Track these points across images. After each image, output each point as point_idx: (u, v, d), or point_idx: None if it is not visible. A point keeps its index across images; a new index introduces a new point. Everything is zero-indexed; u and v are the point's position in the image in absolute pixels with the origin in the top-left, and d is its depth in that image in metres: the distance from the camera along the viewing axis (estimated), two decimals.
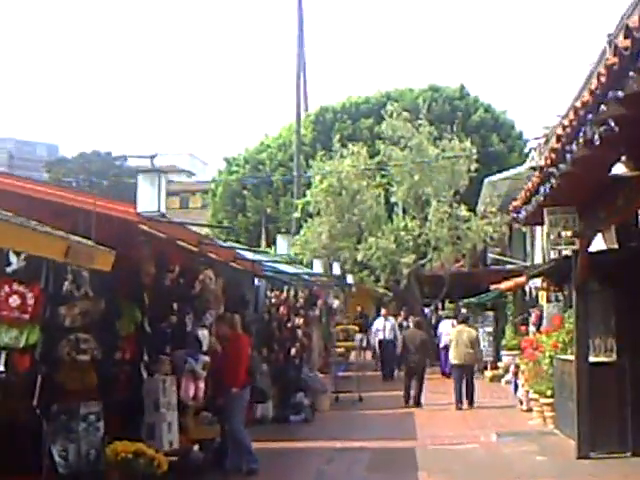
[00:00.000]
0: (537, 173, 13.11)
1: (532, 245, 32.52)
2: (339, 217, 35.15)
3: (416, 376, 23.17)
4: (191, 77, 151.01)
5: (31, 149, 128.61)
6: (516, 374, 23.25)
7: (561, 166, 11.15)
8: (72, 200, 10.09)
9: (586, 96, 9.08)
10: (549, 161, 11.74)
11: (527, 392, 20.35)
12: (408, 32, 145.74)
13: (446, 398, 24.10)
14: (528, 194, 14.30)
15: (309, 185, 38.05)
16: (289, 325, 21.70)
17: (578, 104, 9.45)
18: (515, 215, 16.23)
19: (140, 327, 11.24)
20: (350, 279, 33.56)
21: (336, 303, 32.66)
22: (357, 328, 29.68)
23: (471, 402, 22.42)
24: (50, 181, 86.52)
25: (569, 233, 14.26)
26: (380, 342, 31.02)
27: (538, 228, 30.79)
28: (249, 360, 14.35)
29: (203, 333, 12.92)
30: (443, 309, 42.43)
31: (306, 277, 23.00)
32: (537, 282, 24.18)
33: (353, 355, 29.94)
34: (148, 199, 9.80)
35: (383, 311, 31.87)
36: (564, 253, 19.45)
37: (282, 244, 20.42)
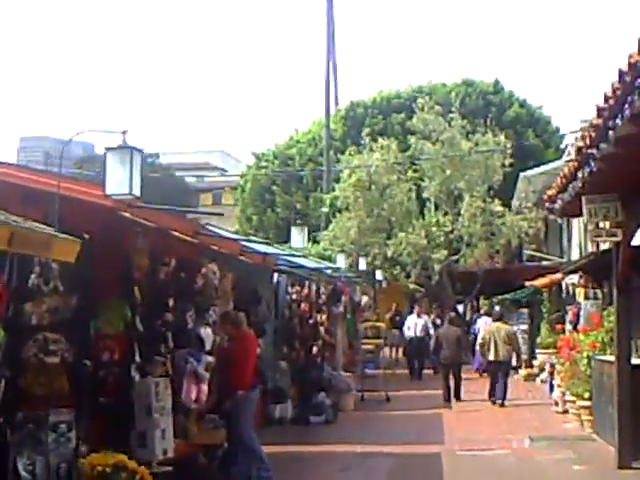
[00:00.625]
0: (574, 156, 11.71)
1: (569, 240, 31.78)
2: (368, 212, 34.32)
3: (452, 373, 23.06)
4: (224, 73, 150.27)
5: (67, 147, 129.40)
6: (552, 374, 22.34)
7: (602, 146, 9.73)
8: (37, 183, 8.97)
9: (635, 56, 7.78)
10: (588, 140, 10.33)
11: (563, 393, 19.14)
12: (442, 26, 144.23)
13: (478, 397, 23.32)
14: (564, 181, 12.88)
15: (338, 180, 37.11)
16: (311, 322, 20.60)
17: (624, 67, 8.13)
18: (550, 206, 14.75)
19: (131, 325, 10.14)
20: (379, 275, 32.61)
21: (364, 299, 31.63)
22: (385, 325, 28.23)
23: (503, 399, 21.95)
24: (80, 176, 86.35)
25: (610, 224, 12.98)
26: (409, 340, 29.93)
27: (575, 222, 29.87)
28: (256, 360, 13.14)
29: (206, 332, 11.83)
30: (478, 306, 41.64)
31: (328, 272, 21.81)
32: (574, 278, 22.95)
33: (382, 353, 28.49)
34: (118, 180, 8.58)
35: (417, 308, 30.66)
36: (603, 247, 18.31)
37: (297, 237, 19.07)
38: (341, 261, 24.05)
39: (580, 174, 11.58)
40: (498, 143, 34.01)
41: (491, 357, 22.46)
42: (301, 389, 19.58)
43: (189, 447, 11.76)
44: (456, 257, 34.21)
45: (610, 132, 9.19)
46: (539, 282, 29.08)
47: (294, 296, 20.29)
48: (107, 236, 9.21)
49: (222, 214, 10.48)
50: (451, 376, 23.14)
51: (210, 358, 11.80)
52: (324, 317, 21.34)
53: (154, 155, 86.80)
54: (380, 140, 35.09)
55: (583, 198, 12.69)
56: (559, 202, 13.84)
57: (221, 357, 12.52)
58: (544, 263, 33.30)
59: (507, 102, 46.66)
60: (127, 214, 8.83)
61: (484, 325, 27.61)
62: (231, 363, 12.51)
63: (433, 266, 33.39)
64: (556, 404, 20.07)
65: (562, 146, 41.02)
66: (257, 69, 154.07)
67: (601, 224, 13.20)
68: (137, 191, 8.57)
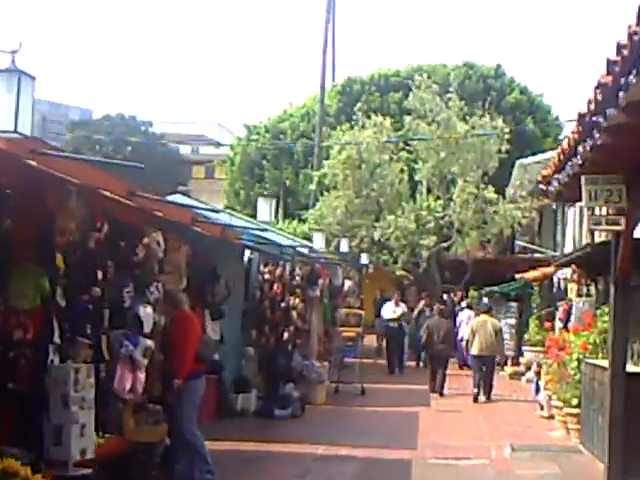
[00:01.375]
0: (575, 127, 10.04)
1: (563, 233, 30.24)
2: (357, 192, 32.88)
3: (440, 366, 22.46)
4: (223, 47, 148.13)
5: (64, 112, 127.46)
6: (538, 373, 20.83)
7: (610, 112, 8.05)
8: None
9: None
10: (593, 105, 8.68)
11: (549, 397, 17.67)
12: (445, 7, 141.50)
13: (459, 397, 22.02)
14: (562, 158, 11.08)
15: (329, 157, 35.56)
16: (283, 305, 19.14)
17: None
18: (545, 188, 12.99)
19: (50, 299, 8.63)
20: (364, 259, 31.21)
21: (348, 284, 30.18)
22: (366, 312, 26.51)
23: (489, 395, 21.46)
24: (73, 142, 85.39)
25: (611, 211, 11.33)
26: (386, 330, 28.12)
27: (570, 213, 28.55)
28: (200, 344, 11.58)
29: (146, 311, 10.28)
30: (467, 297, 40.23)
31: (304, 251, 20.25)
32: (567, 273, 21.42)
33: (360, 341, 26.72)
34: (1, 112, 6.95)
35: (395, 296, 28.76)
36: (599, 239, 16.80)
37: (264, 209, 17.25)
38: (318, 240, 22.50)
39: (581, 148, 9.82)
40: (495, 127, 32.65)
41: (475, 351, 21.79)
42: (268, 379, 18.13)
43: (124, 444, 10.28)
44: (446, 244, 32.97)
45: (620, 94, 7.55)
46: (530, 275, 27.72)
47: (266, 276, 18.83)
48: (23, 190, 7.74)
49: (142, 167, 8.80)
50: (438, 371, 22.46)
51: (149, 342, 10.26)
52: (298, 301, 19.81)
53: (147, 123, 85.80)
54: (373, 117, 33.65)
55: (582, 178, 10.96)
56: (555, 184, 12.08)
57: (161, 341, 11.04)
58: (536, 255, 32.07)
59: (507, 87, 45.41)
60: (33, 162, 7.17)
61: (466, 318, 26.56)
62: (170, 348, 11.04)
63: (421, 252, 32.05)
64: (541, 408, 18.59)
65: (561, 136, 39.72)
66: (257, 41, 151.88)
67: (603, 210, 11.53)
68: (26, 129, 6.79)
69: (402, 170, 33.41)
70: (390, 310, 27.88)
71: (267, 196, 16.98)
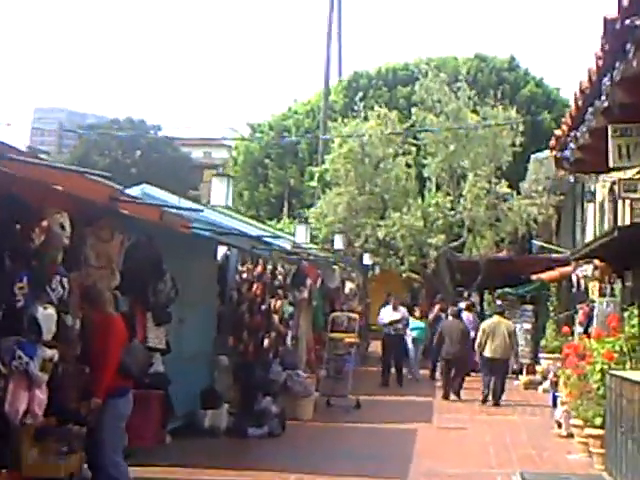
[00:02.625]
0: (599, 50, 7.40)
1: (583, 231, 28.54)
2: (360, 188, 30.69)
3: (456, 369, 21.95)
4: (231, 48, 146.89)
5: (80, 119, 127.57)
6: (556, 384, 18.76)
7: None
8: None
9: None
10: (627, 3, 6.03)
11: (568, 413, 15.31)
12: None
13: (463, 410, 19.90)
14: (580, 103, 8.57)
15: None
16: (263, 308, 16.84)
17: None
18: (560, 154, 10.52)
19: None
20: (367, 259, 28.99)
21: (349, 286, 27.96)
22: (359, 316, 23.94)
23: (498, 400, 20.76)
24: (80, 146, 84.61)
25: None
26: (384, 337, 24.89)
27: (591, 208, 26.38)
28: (125, 355, 9.30)
29: (46, 313, 7.98)
30: (482, 300, 38.21)
31: (283, 246, 17.77)
32: (587, 269, 18.99)
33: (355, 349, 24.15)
34: None
35: (392, 299, 25.68)
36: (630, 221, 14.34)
37: (219, 188, 14.49)
38: (301, 234, 20.09)
39: (607, 81, 7.10)
40: (509, 119, 30.35)
41: (488, 354, 21.06)
42: (242, 392, 15.84)
43: None
44: (456, 244, 30.82)
45: None
46: (547, 275, 25.69)
47: (244, 275, 16.56)
48: None
49: (109, 176, 6.75)
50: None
51: (50, 352, 7.93)
52: (280, 303, 17.45)
53: (156, 127, 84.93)
54: (377, 107, 31.50)
55: (609, 128, 8.28)
56: (572, 145, 9.51)
57: (82, 350, 8.77)
58: (554, 255, 29.81)
59: (522, 80, 43.57)
60: None
61: (466, 321, 24.39)
62: (88, 359, 8.78)
63: (429, 252, 29.81)
64: (559, 425, 16.15)
65: None
66: (263, 39, 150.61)
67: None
68: None
69: (409, 165, 31.27)
70: (387, 315, 25.02)
71: (220, 175, 14.41)
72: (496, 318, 21.81)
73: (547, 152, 29.16)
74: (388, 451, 14.61)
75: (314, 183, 34.50)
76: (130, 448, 10.22)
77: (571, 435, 15.08)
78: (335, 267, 24.74)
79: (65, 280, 8.27)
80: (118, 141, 76.75)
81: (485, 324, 21.97)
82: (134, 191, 15.83)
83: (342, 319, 21.99)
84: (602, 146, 8.32)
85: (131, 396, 9.40)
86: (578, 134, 9.03)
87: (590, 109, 8.16)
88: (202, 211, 12.25)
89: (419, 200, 30.84)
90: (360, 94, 37.56)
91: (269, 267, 17.11)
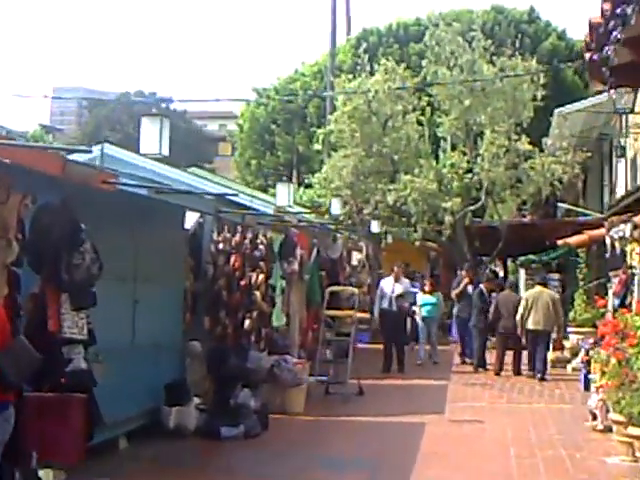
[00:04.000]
0: None
1: (612, 192, 26.56)
2: (367, 150, 28.40)
3: (511, 344, 21.34)
4: (243, 15, 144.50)
5: (98, 97, 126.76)
6: (588, 362, 16.44)
7: None
8: None
9: None
10: None
11: (604, 403, 12.72)
12: None
13: (481, 397, 17.50)
14: None
15: None
16: (242, 284, 14.30)
17: None
18: (590, 57, 7.79)
19: None
20: (375, 227, 26.58)
21: (356, 257, 25.47)
22: (361, 291, 21.20)
23: (543, 375, 20.13)
24: (91, 121, 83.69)
25: None
26: (380, 314, 21.52)
27: (621, 167, 24.52)
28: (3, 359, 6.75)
29: None
30: (505, 270, 37.48)
31: (265, 210, 15.22)
32: (625, 229, 16.20)
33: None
34: None
35: (395, 269, 21.98)
36: None
37: (150, 130, 11.80)
38: (283, 195, 17.34)
39: None
40: (529, 70, 28.06)
41: (530, 325, 20.44)
42: (215, 384, 13.32)
43: None
44: (473, 208, 28.67)
45: None
46: (575, 240, 23.35)
47: (220, 246, 14.06)
48: None
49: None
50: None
51: None
52: (262, 277, 14.85)
53: (167, 100, 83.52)
54: (383, 60, 29.14)
55: None
56: (611, 43, 6.83)
57: None
58: (581, 219, 27.86)
59: (543, 33, 42.05)
60: None
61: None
62: None
63: (444, 218, 27.51)
64: (594, 417, 13.46)
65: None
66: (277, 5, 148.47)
67: None
68: None
69: (420, 123, 29.07)
70: (388, 287, 21.62)
71: (152, 115, 11.90)
72: (538, 288, 21.20)
73: (572, 106, 27.08)
74: (388, 454, 11.98)
75: (319, 146, 32.08)
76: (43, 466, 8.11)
77: (609, 429, 12.48)
78: (338, 235, 22.18)
79: None
80: (129, 115, 75.22)
81: (528, 294, 21.53)
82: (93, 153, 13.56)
83: (346, 294, 19.50)
84: None
85: (11, 412, 6.90)
86: (621, 22, 6.36)
87: None
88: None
89: (432, 161, 28.78)
90: (372, 55, 35.21)
91: (249, 235, 14.53)
